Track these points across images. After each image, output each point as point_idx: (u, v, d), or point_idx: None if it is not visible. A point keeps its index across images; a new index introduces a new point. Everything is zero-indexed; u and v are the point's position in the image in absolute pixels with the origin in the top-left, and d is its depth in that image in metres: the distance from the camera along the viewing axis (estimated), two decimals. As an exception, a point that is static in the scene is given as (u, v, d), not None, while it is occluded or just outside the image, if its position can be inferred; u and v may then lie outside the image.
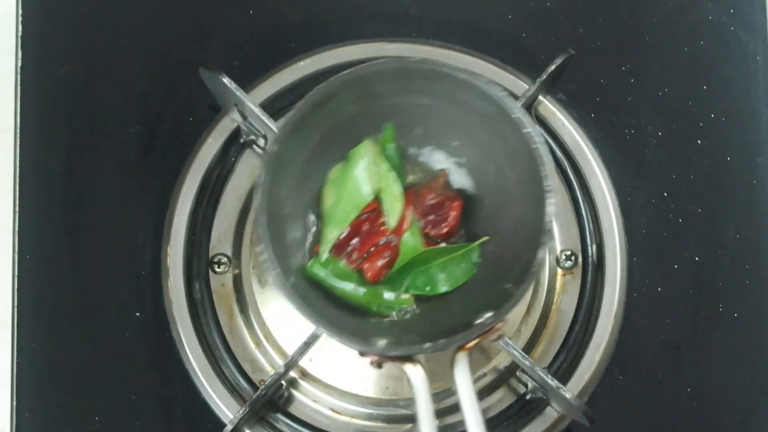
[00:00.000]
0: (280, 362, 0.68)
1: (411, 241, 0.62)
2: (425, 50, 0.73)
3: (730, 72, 0.76)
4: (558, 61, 0.67)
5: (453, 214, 0.62)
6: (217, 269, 0.70)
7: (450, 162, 0.64)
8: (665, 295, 0.72)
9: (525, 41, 0.75)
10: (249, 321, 0.70)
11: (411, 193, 0.63)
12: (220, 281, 0.70)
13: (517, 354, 0.63)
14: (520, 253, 0.58)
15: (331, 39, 0.74)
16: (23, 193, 0.71)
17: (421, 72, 0.60)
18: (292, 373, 0.69)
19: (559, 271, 0.71)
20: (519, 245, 0.59)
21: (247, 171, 0.72)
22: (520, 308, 0.70)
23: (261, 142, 0.72)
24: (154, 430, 0.69)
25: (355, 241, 0.62)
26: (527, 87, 0.68)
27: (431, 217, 0.62)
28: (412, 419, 0.69)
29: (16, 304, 0.70)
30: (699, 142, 0.75)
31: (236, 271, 0.71)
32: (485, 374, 0.69)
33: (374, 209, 0.63)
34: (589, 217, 0.72)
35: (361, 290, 0.62)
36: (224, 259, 0.70)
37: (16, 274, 0.70)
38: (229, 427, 0.63)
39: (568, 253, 0.71)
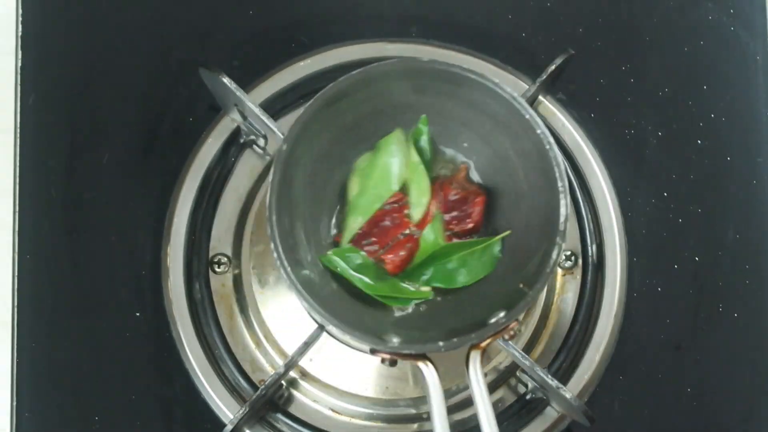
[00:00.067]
0: (280, 362, 0.68)
1: (432, 235, 0.62)
2: (425, 50, 0.73)
3: (730, 72, 0.76)
4: (558, 61, 0.67)
5: (477, 210, 0.62)
6: (217, 269, 0.70)
7: (463, 160, 0.64)
8: (665, 295, 0.72)
9: (525, 41, 0.75)
10: (249, 321, 0.70)
11: (435, 187, 0.63)
12: (220, 281, 0.70)
13: (517, 354, 0.63)
14: (533, 253, 0.58)
15: (331, 39, 0.74)
16: (23, 193, 0.71)
17: (431, 72, 0.60)
18: (292, 373, 0.69)
19: (559, 271, 0.71)
20: (531, 245, 0.59)
21: (247, 171, 0.72)
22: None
23: (261, 142, 0.72)
24: (154, 430, 0.69)
25: (376, 231, 0.62)
26: (527, 87, 0.68)
27: (455, 213, 0.62)
28: (412, 419, 0.69)
29: (16, 304, 0.70)
30: (699, 142, 0.75)
31: (236, 271, 0.71)
32: (485, 374, 0.69)
33: (398, 200, 0.63)
34: (589, 217, 0.72)
35: (380, 282, 0.61)
36: (224, 259, 0.70)
37: (16, 274, 0.70)
38: (229, 427, 0.63)
39: (568, 253, 0.71)
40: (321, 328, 0.64)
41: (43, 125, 0.72)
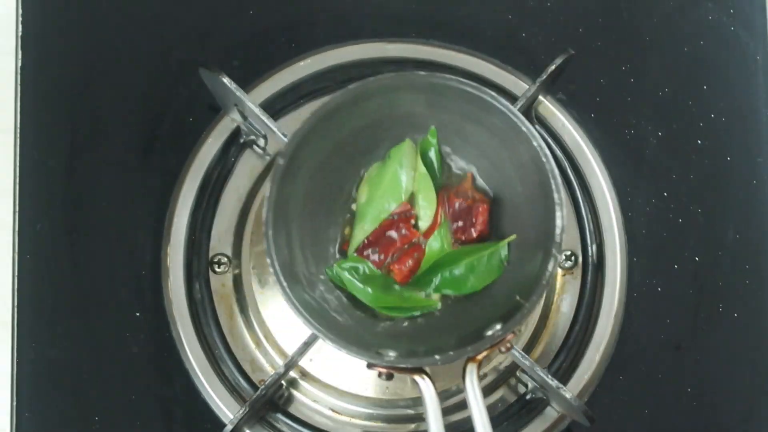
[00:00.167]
0: (280, 362, 0.68)
1: (438, 242, 0.62)
2: (425, 50, 0.73)
3: (730, 72, 0.76)
4: (558, 61, 0.67)
5: (482, 218, 0.63)
6: (217, 269, 0.70)
7: (460, 172, 0.64)
8: (665, 295, 0.72)
9: (525, 41, 0.75)
10: (249, 321, 0.70)
11: (441, 196, 0.63)
12: (220, 281, 0.70)
13: (517, 354, 0.63)
14: (530, 265, 0.59)
15: (331, 39, 0.74)
16: (23, 193, 0.71)
17: (428, 86, 0.60)
18: (292, 373, 0.69)
19: (559, 271, 0.71)
20: (528, 257, 0.59)
21: (247, 171, 0.72)
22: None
23: (261, 142, 0.72)
24: (154, 430, 0.69)
25: (383, 241, 0.62)
26: (527, 87, 0.68)
27: (461, 223, 0.63)
28: (412, 419, 0.69)
29: (16, 304, 0.70)
30: (699, 142, 0.75)
31: (236, 271, 0.71)
32: (485, 374, 0.69)
33: (405, 211, 0.63)
34: (589, 217, 0.72)
35: (386, 293, 0.62)
36: (224, 259, 0.70)
37: (16, 274, 0.70)
38: (229, 427, 0.63)
39: (568, 253, 0.71)
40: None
41: (43, 125, 0.72)
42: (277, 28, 0.75)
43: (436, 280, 0.62)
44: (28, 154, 0.72)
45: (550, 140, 0.72)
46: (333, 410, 0.69)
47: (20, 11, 0.74)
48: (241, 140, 0.72)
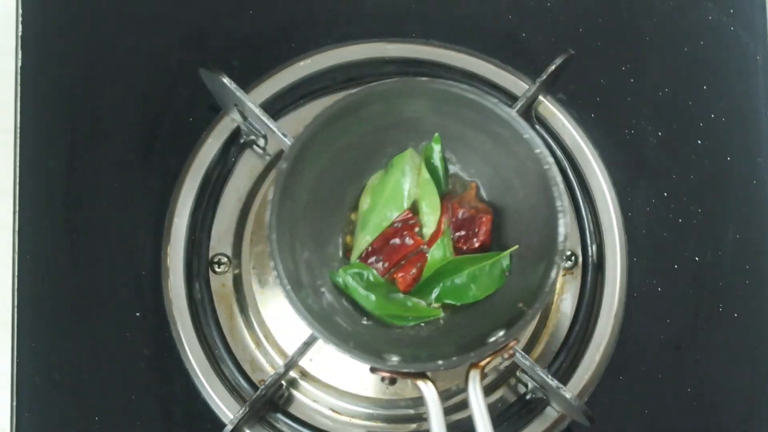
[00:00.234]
0: (280, 362, 0.68)
1: (440, 250, 0.62)
2: (425, 50, 0.73)
3: (730, 72, 0.76)
4: (558, 61, 0.67)
5: (484, 229, 0.63)
6: (217, 269, 0.70)
7: (463, 179, 0.64)
8: (665, 295, 0.72)
9: (525, 41, 0.75)
10: (249, 321, 0.70)
11: (444, 204, 0.63)
12: (220, 281, 0.70)
13: (517, 354, 0.63)
14: (533, 272, 0.59)
15: (331, 39, 0.74)
16: (23, 193, 0.71)
17: (430, 92, 0.60)
18: (292, 373, 0.69)
19: (559, 271, 0.71)
20: (531, 264, 0.59)
21: (247, 171, 0.72)
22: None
23: (261, 142, 0.72)
24: (154, 430, 0.69)
25: (386, 249, 0.63)
26: (527, 87, 0.68)
27: (463, 233, 0.63)
28: (412, 419, 0.69)
29: (16, 304, 0.70)
30: (699, 142, 0.75)
31: (236, 271, 0.71)
32: (485, 374, 0.69)
33: (409, 219, 0.63)
34: (589, 217, 0.72)
35: (389, 301, 0.62)
36: (224, 259, 0.70)
37: (16, 274, 0.70)
38: (229, 427, 0.63)
39: (568, 253, 0.71)
40: None
41: (43, 125, 0.72)
42: (277, 28, 0.75)
43: (438, 290, 0.62)
44: (28, 154, 0.72)
45: (550, 140, 0.72)
46: (333, 410, 0.69)
47: (20, 11, 0.74)
48: (241, 140, 0.72)
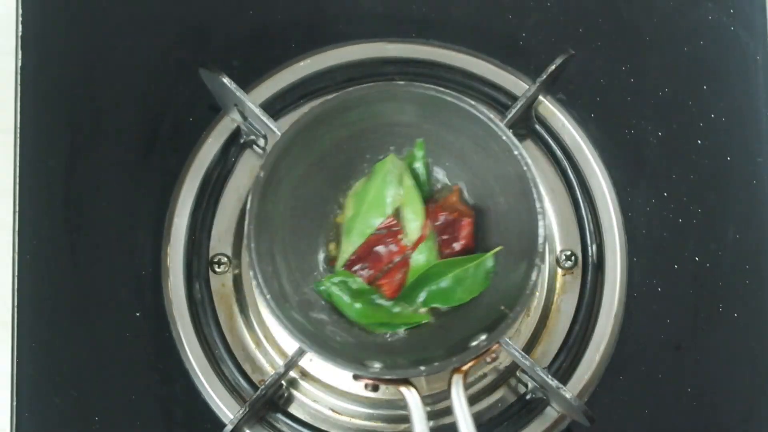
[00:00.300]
0: (280, 362, 0.68)
1: (424, 255, 0.62)
2: (425, 50, 0.73)
3: (730, 72, 0.76)
4: (558, 61, 0.67)
5: (465, 231, 0.63)
6: (217, 269, 0.70)
7: (445, 182, 0.64)
8: (665, 295, 0.72)
9: (525, 41, 0.75)
10: (249, 321, 0.70)
11: (427, 209, 0.63)
12: (220, 281, 0.70)
13: (517, 354, 0.63)
14: (514, 274, 0.59)
15: (331, 39, 0.74)
16: (23, 193, 0.71)
17: (407, 95, 0.60)
18: (292, 373, 0.69)
19: (559, 271, 0.71)
20: (512, 266, 0.60)
21: (247, 171, 0.72)
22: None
23: (261, 142, 0.72)
24: (154, 430, 0.69)
25: (371, 256, 0.63)
26: (527, 87, 0.68)
27: (446, 236, 0.63)
28: (412, 419, 0.69)
29: (16, 304, 0.70)
30: (699, 142, 0.75)
31: (236, 271, 0.71)
32: (485, 374, 0.69)
33: (391, 225, 0.63)
34: (589, 217, 0.72)
35: (374, 309, 0.62)
36: (224, 259, 0.70)
37: (16, 274, 0.70)
38: (229, 427, 0.63)
39: (568, 253, 0.71)
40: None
41: (43, 125, 0.72)
42: (277, 28, 0.75)
43: (424, 294, 0.62)
44: (28, 154, 0.72)
45: (550, 140, 0.72)
46: (333, 410, 0.69)
47: (20, 11, 0.74)
48: (241, 140, 0.72)
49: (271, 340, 0.69)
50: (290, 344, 0.68)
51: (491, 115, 0.59)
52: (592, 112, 0.74)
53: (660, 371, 0.71)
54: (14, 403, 0.68)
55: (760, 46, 0.76)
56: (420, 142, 0.63)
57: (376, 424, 0.69)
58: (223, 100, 0.69)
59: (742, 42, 0.76)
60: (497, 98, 0.72)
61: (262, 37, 0.75)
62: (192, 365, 0.68)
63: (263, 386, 0.64)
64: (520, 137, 0.68)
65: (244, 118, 0.70)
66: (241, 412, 0.63)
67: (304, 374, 0.69)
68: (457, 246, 0.63)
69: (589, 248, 0.71)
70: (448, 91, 0.60)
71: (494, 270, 0.62)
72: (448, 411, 0.66)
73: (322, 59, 0.73)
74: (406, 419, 0.68)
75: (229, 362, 0.69)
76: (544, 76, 0.67)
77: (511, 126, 0.65)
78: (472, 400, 0.67)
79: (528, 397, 0.69)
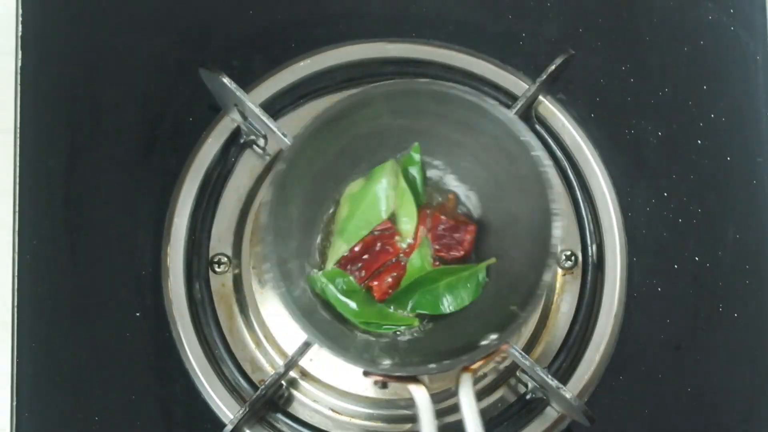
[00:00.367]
0: (280, 362, 0.68)
1: (418, 261, 0.62)
2: (425, 50, 0.73)
3: (730, 72, 0.76)
4: (558, 61, 0.67)
5: (468, 239, 0.63)
6: (217, 269, 0.70)
7: (458, 183, 0.64)
8: (665, 295, 0.72)
9: (525, 41, 0.75)
10: (249, 321, 0.70)
11: (423, 214, 0.63)
12: (220, 281, 0.70)
13: (517, 354, 0.63)
14: (526, 275, 0.59)
15: (331, 39, 0.74)
16: (23, 193, 0.71)
17: (429, 93, 0.60)
18: (292, 373, 0.69)
19: (559, 271, 0.71)
20: (525, 266, 0.59)
21: (247, 171, 0.72)
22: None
23: (261, 142, 0.72)
24: (154, 430, 0.69)
25: (365, 257, 0.62)
26: (527, 87, 0.68)
27: (445, 240, 0.63)
28: (411, 419, 0.69)
29: (16, 304, 0.70)
30: (699, 142, 0.75)
31: (236, 271, 0.71)
32: (485, 374, 0.69)
33: (387, 228, 0.63)
34: (589, 217, 0.72)
35: (365, 308, 0.62)
36: (224, 259, 0.70)
37: (16, 274, 0.70)
38: (229, 427, 0.63)
39: (568, 253, 0.71)
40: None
41: (43, 125, 0.72)
42: (276, 28, 0.75)
43: (414, 300, 0.62)
44: (28, 154, 0.72)
45: (550, 140, 0.72)
46: (333, 410, 0.69)
47: (20, 11, 0.74)
48: (241, 140, 0.72)
49: (271, 340, 0.69)
50: (290, 344, 0.68)
51: (512, 115, 0.59)
52: (592, 112, 0.74)
53: (660, 371, 0.71)
54: (14, 403, 0.68)
55: (760, 46, 0.76)
56: (416, 145, 0.63)
57: (376, 424, 0.69)
58: (223, 100, 0.69)
59: (742, 42, 0.76)
60: (497, 98, 0.72)
61: (262, 37, 0.75)
62: (192, 365, 0.68)
63: (263, 386, 0.64)
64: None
65: (244, 118, 0.70)
66: (241, 412, 0.63)
67: (304, 374, 0.69)
68: (457, 252, 0.63)
69: (589, 248, 0.71)
70: (468, 89, 0.60)
71: (486, 281, 0.62)
72: (450, 410, 0.67)
73: (322, 59, 0.73)
74: (406, 419, 0.69)
75: (229, 362, 0.69)
76: (544, 76, 0.67)
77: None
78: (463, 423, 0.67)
79: (528, 397, 0.69)
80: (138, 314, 0.70)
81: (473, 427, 0.56)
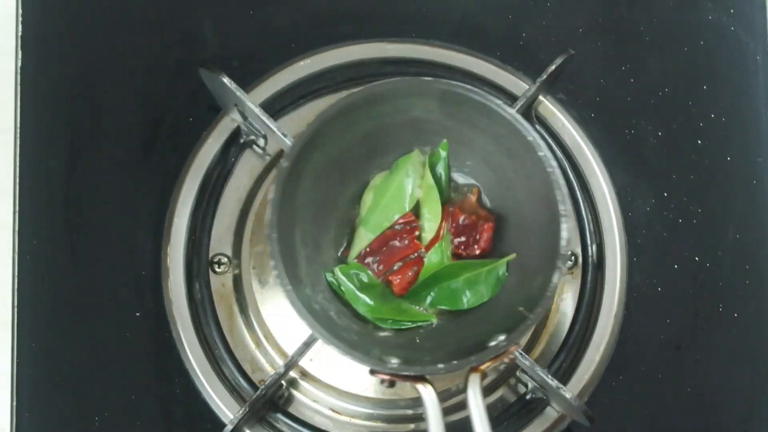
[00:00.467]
0: (280, 362, 0.68)
1: (438, 255, 0.62)
2: (425, 50, 0.74)
3: (730, 72, 0.76)
4: (558, 61, 0.67)
5: (486, 236, 0.63)
6: (217, 269, 0.70)
7: (464, 181, 0.64)
8: (665, 295, 0.72)
9: (525, 41, 0.75)
10: (249, 321, 0.70)
11: (445, 210, 0.63)
12: (220, 281, 0.70)
13: (517, 354, 0.63)
14: (534, 276, 0.58)
15: (331, 39, 0.74)
16: (23, 193, 0.71)
17: (435, 92, 0.60)
18: (292, 373, 0.69)
19: (559, 271, 0.71)
20: (533, 268, 0.59)
21: (247, 171, 0.72)
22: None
23: (261, 142, 0.72)
24: (154, 430, 0.69)
25: (384, 250, 0.62)
26: (527, 87, 0.68)
27: (464, 238, 0.63)
28: (412, 419, 0.69)
29: (16, 304, 0.70)
30: (699, 142, 0.75)
31: (236, 271, 0.71)
32: (485, 374, 0.69)
33: (409, 221, 0.63)
34: (589, 217, 0.72)
35: (383, 304, 0.62)
36: (224, 259, 0.70)
37: (16, 274, 0.70)
38: (229, 427, 0.63)
39: (568, 253, 0.71)
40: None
41: (43, 125, 0.72)
42: (277, 28, 0.75)
43: (433, 295, 0.62)
44: (28, 154, 0.72)
45: (550, 140, 0.72)
46: (333, 410, 0.69)
47: (20, 11, 0.74)
48: (241, 140, 0.72)
49: (271, 340, 0.69)
50: (290, 344, 0.68)
51: (518, 115, 0.59)
52: (592, 112, 0.74)
53: (660, 371, 0.71)
54: (14, 403, 0.68)
55: (760, 46, 0.76)
56: (445, 143, 0.63)
57: (376, 424, 0.69)
58: (223, 100, 0.69)
59: (742, 42, 0.76)
60: (501, 99, 0.72)
61: (262, 37, 0.75)
62: (192, 365, 0.68)
63: (263, 386, 0.64)
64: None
65: (244, 118, 0.70)
66: (241, 412, 0.63)
67: (304, 374, 0.69)
68: (476, 249, 0.63)
69: (589, 248, 0.71)
70: (474, 89, 0.59)
71: (506, 277, 0.62)
72: (454, 409, 0.67)
73: (322, 59, 0.73)
74: (406, 419, 0.69)
75: (229, 362, 0.69)
76: (544, 76, 0.67)
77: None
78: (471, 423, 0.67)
79: (528, 397, 0.69)
80: (138, 314, 0.70)
81: (481, 427, 0.56)
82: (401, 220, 0.63)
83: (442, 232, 0.63)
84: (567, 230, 0.57)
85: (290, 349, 0.66)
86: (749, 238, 0.73)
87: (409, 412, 0.69)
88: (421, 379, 0.57)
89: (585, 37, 0.76)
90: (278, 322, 0.69)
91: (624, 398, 0.70)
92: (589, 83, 0.75)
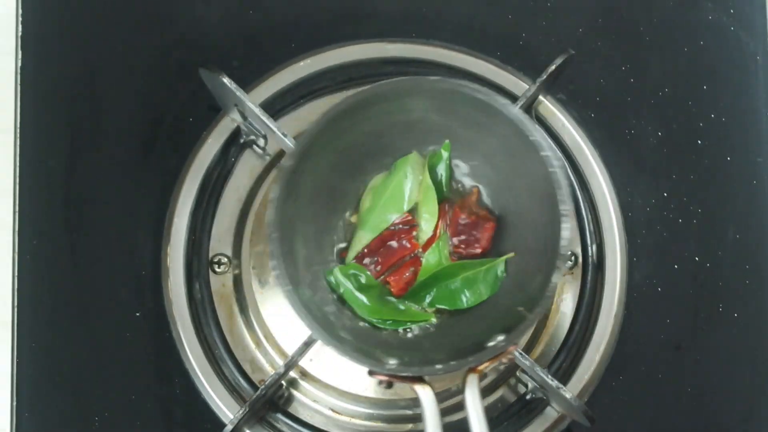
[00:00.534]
0: (280, 362, 0.68)
1: (436, 255, 0.62)
2: (425, 50, 0.73)
3: (730, 72, 0.76)
4: (558, 61, 0.67)
5: (486, 236, 0.63)
6: (217, 269, 0.70)
7: (467, 180, 0.64)
8: (665, 295, 0.72)
9: (525, 41, 0.75)
10: (249, 321, 0.70)
11: (445, 209, 0.63)
12: (220, 281, 0.70)
13: (517, 354, 0.63)
14: (533, 276, 0.58)
15: (331, 39, 0.74)
16: (23, 193, 0.71)
17: (438, 91, 0.60)
18: (292, 373, 0.69)
19: (559, 271, 0.71)
20: (532, 267, 0.59)
21: (247, 171, 0.72)
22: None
23: (261, 142, 0.72)
24: (154, 430, 0.69)
25: (382, 251, 0.62)
26: (527, 87, 0.68)
27: (464, 237, 0.63)
28: (412, 419, 0.69)
29: (16, 304, 0.70)
30: (699, 142, 0.75)
31: (236, 271, 0.71)
32: (485, 374, 0.69)
33: (407, 222, 0.63)
34: (589, 217, 0.72)
35: (381, 304, 0.62)
36: (224, 259, 0.70)
37: (16, 274, 0.70)
38: (229, 427, 0.63)
39: (568, 253, 0.71)
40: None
41: (43, 125, 0.72)
42: (277, 28, 0.75)
43: (432, 294, 0.62)
44: (28, 154, 0.72)
45: (550, 140, 0.72)
46: (333, 410, 0.69)
47: (20, 11, 0.74)
48: (241, 140, 0.72)
49: (271, 340, 0.69)
50: (290, 344, 0.68)
51: (523, 114, 0.59)
52: (592, 112, 0.74)
53: (660, 371, 0.71)
54: (14, 403, 0.68)
55: (760, 46, 0.76)
56: (447, 143, 0.63)
57: (375, 424, 0.69)
58: (223, 100, 0.69)
59: (742, 42, 0.76)
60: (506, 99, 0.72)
61: (262, 37, 0.75)
62: (192, 365, 0.68)
63: (263, 386, 0.64)
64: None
65: (244, 118, 0.70)
66: (241, 412, 0.63)
67: (304, 374, 0.69)
68: (476, 248, 0.63)
69: (589, 248, 0.71)
70: (478, 87, 0.59)
71: (504, 276, 0.62)
72: (451, 410, 0.67)
73: (322, 59, 0.73)
74: (406, 419, 0.69)
75: (229, 362, 0.69)
76: (544, 76, 0.67)
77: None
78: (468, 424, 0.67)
79: (528, 397, 0.69)
80: (138, 314, 0.70)
81: (479, 428, 0.56)
82: (399, 221, 0.63)
83: (438, 231, 0.63)
84: (568, 230, 0.57)
85: (290, 349, 0.66)
86: (749, 238, 0.73)
87: (409, 412, 0.69)
88: (420, 380, 0.57)
89: (585, 37, 0.76)
90: (278, 322, 0.69)
91: (624, 398, 0.70)
92: (589, 83, 0.75)
